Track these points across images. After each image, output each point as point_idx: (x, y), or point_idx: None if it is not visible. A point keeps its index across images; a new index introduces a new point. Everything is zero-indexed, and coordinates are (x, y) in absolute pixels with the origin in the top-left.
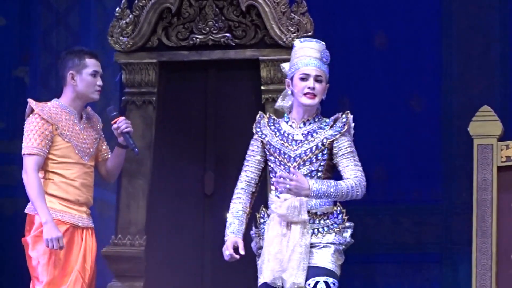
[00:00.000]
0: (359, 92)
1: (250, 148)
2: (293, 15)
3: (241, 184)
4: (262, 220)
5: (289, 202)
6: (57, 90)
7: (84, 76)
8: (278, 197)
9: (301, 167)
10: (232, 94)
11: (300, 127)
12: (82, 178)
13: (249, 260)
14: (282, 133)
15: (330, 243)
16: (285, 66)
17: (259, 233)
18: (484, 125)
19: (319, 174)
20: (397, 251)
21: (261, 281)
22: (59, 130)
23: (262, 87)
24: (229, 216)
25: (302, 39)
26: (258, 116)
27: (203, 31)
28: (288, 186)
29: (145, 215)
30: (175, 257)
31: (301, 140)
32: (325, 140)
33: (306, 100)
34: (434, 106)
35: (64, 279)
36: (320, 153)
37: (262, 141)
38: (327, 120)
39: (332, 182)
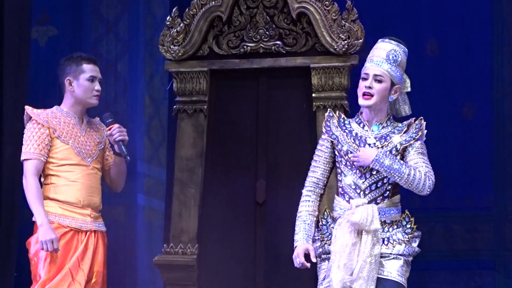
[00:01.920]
0: (412, 100)
1: (319, 147)
2: (344, 22)
3: (308, 186)
4: (324, 222)
5: (362, 209)
6: (106, 98)
7: (81, 82)
8: (348, 202)
9: (373, 172)
10: (283, 102)
11: (372, 130)
12: (85, 179)
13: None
14: (354, 134)
15: (400, 255)
16: None
17: (323, 237)
18: None
19: (390, 181)
20: (449, 258)
21: (324, 286)
22: (56, 133)
23: (313, 95)
24: (298, 220)
25: (383, 39)
26: (327, 114)
27: (254, 39)
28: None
29: (197, 223)
30: (227, 265)
31: (374, 144)
32: (399, 146)
33: (361, 101)
34: (487, 113)
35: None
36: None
37: (332, 141)
38: (400, 125)
39: (401, 161)
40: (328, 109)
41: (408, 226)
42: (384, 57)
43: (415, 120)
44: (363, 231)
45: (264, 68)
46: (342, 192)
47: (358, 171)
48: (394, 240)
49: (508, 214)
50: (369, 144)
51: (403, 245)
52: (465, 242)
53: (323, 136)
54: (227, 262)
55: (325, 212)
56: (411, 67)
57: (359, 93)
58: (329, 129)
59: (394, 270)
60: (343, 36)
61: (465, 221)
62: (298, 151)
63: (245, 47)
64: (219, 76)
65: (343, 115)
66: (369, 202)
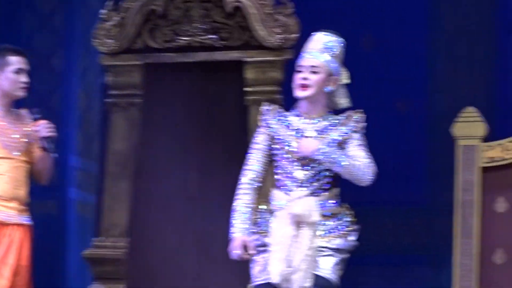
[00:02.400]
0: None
1: (256, 140)
2: (278, 16)
3: (245, 179)
4: (260, 215)
5: (302, 201)
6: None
7: (8, 74)
8: (287, 194)
9: (313, 165)
10: (217, 96)
11: (312, 123)
12: (11, 172)
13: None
14: (293, 127)
15: (336, 250)
16: None
17: (259, 229)
18: (468, 126)
19: (329, 173)
20: (379, 252)
21: (261, 278)
22: None
23: (247, 89)
24: (234, 212)
25: (316, 32)
26: (264, 107)
27: (189, 33)
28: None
29: (128, 217)
30: (158, 259)
31: (313, 136)
32: (338, 138)
33: (298, 93)
34: (420, 108)
35: None
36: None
37: (270, 134)
38: (339, 117)
39: (342, 151)
40: (265, 103)
41: (347, 219)
42: (320, 48)
43: (354, 113)
44: (303, 224)
45: (198, 62)
46: (280, 185)
47: (297, 163)
48: (332, 233)
49: (439, 209)
50: (307, 137)
51: (342, 239)
52: (396, 237)
53: (260, 129)
54: (157, 256)
55: (262, 205)
56: (346, 61)
57: (295, 85)
58: (267, 122)
59: (328, 267)
60: (277, 31)
61: (396, 216)
62: (231, 145)
63: (179, 41)
64: (153, 70)
65: (280, 108)
66: (309, 195)
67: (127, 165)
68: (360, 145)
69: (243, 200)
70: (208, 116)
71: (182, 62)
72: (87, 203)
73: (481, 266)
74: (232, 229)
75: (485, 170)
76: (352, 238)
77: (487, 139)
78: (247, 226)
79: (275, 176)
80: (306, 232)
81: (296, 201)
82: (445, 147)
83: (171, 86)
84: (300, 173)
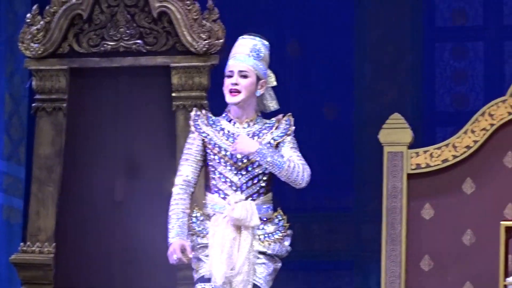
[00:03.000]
0: None
1: (188, 146)
2: (205, 22)
3: (179, 185)
4: (195, 220)
5: (241, 205)
6: None
7: None
8: (224, 199)
9: (249, 169)
10: (144, 101)
11: (244, 127)
12: None
13: (162, 264)
14: (226, 132)
15: (271, 257)
16: None
17: (195, 231)
18: (394, 132)
19: (265, 177)
20: (308, 258)
21: (200, 274)
22: None
23: (173, 94)
24: (170, 218)
25: (242, 36)
26: (194, 113)
27: (115, 38)
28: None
29: (54, 222)
30: (85, 264)
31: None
32: (272, 141)
33: (229, 98)
34: (347, 114)
35: None
36: None
37: (203, 140)
38: (269, 121)
39: (280, 153)
40: (194, 108)
41: (281, 224)
42: (247, 52)
43: (283, 116)
44: (242, 227)
45: (124, 67)
46: (216, 190)
47: (233, 168)
48: (269, 238)
49: (366, 215)
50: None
51: (277, 244)
52: (324, 243)
53: (192, 135)
54: (84, 261)
55: (195, 210)
56: (272, 67)
57: (226, 91)
58: (199, 127)
59: (261, 276)
60: (203, 36)
61: (324, 222)
62: (157, 150)
63: (105, 45)
64: (79, 75)
65: (210, 114)
66: (246, 199)
67: (53, 170)
68: (293, 147)
69: (178, 206)
70: (135, 121)
71: (108, 67)
72: (14, 208)
73: (408, 273)
74: (169, 234)
75: (412, 176)
76: (287, 243)
77: (413, 146)
78: (184, 230)
79: (211, 182)
80: (245, 235)
81: (235, 205)
82: (373, 153)
83: (98, 91)
84: (236, 178)
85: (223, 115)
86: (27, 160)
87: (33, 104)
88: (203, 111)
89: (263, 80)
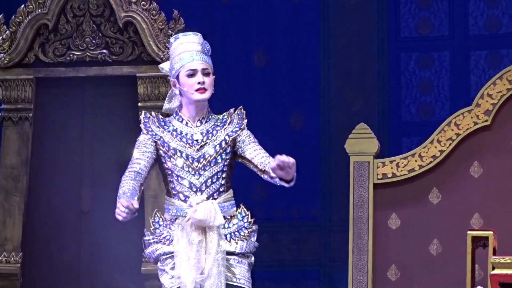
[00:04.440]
0: None
1: (140, 144)
2: (170, 32)
3: (128, 173)
4: (157, 225)
5: (203, 206)
6: None
7: None
8: (184, 201)
9: (206, 168)
10: (110, 110)
11: (197, 126)
12: None
13: (129, 273)
14: (178, 133)
15: (242, 254)
16: (164, 66)
17: (159, 238)
18: (361, 142)
19: (224, 175)
20: (275, 268)
21: (174, 286)
22: None
23: (139, 104)
24: (120, 191)
25: (178, 35)
26: (142, 115)
27: (80, 48)
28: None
29: (21, 232)
30: (52, 274)
31: (201, 140)
32: (227, 138)
33: (198, 96)
34: (314, 124)
35: None
36: (224, 152)
37: (155, 141)
38: (221, 117)
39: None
40: (143, 111)
41: (246, 220)
42: (200, 49)
43: (235, 110)
44: (207, 228)
45: (90, 76)
46: (175, 193)
47: (190, 169)
48: (235, 236)
49: (333, 225)
50: (197, 141)
51: (245, 241)
52: (291, 252)
53: (143, 136)
54: (51, 271)
55: (156, 215)
56: (239, 77)
57: (191, 90)
58: (150, 129)
59: (242, 277)
60: (169, 46)
61: (291, 231)
62: (123, 159)
63: (71, 55)
64: (45, 84)
65: (160, 115)
66: (207, 199)
67: (19, 180)
68: (254, 142)
69: (128, 183)
70: (101, 131)
71: (74, 76)
72: None
73: (375, 282)
74: (118, 200)
75: (378, 186)
76: (253, 239)
77: (379, 155)
78: (133, 194)
79: (169, 185)
80: (211, 236)
81: (197, 206)
82: (340, 163)
83: (64, 101)
84: (194, 178)
85: (174, 115)
86: None
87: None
88: (153, 113)
89: (214, 77)
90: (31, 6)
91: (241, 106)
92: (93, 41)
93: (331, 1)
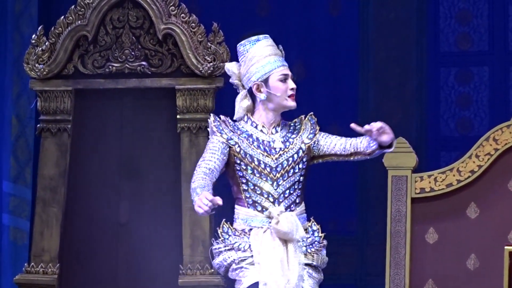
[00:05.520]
0: None
1: (212, 145)
2: (209, 44)
3: (201, 169)
4: (227, 236)
5: (285, 217)
6: None
7: None
8: (261, 212)
9: (285, 178)
10: (148, 122)
11: (272, 133)
12: None
13: (166, 285)
14: (255, 139)
15: (315, 268)
16: (232, 67)
17: (232, 246)
18: (399, 156)
19: (300, 185)
20: None
21: (249, 282)
22: None
23: (178, 116)
24: (194, 185)
25: (253, 38)
26: (212, 118)
27: (119, 59)
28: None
29: (58, 243)
30: (89, 285)
31: (280, 148)
32: (303, 146)
33: (291, 103)
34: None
35: None
36: (301, 162)
37: (229, 146)
38: (292, 124)
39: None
40: (211, 114)
41: (316, 234)
42: (281, 54)
43: (305, 117)
44: (287, 241)
45: (129, 88)
46: (250, 202)
47: (269, 178)
48: (310, 249)
49: (370, 238)
50: (274, 149)
51: (318, 255)
52: (328, 266)
53: (217, 138)
54: (88, 283)
55: (224, 226)
56: None
57: (284, 95)
58: (224, 132)
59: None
60: (208, 58)
61: (328, 245)
62: (162, 172)
63: (110, 67)
64: (84, 96)
65: (229, 119)
66: (285, 210)
67: (57, 191)
68: (328, 136)
69: (202, 179)
70: (140, 143)
71: (113, 88)
72: (20, 229)
73: None
74: (195, 195)
75: (416, 200)
76: (324, 253)
77: (417, 170)
78: (208, 190)
79: (243, 194)
80: (293, 249)
81: (279, 217)
82: (377, 177)
83: (102, 112)
84: (272, 188)
85: (244, 120)
86: (33, 181)
87: (38, 125)
88: (222, 117)
89: None
90: (70, 17)
91: (312, 112)
92: (132, 53)
93: (370, 14)
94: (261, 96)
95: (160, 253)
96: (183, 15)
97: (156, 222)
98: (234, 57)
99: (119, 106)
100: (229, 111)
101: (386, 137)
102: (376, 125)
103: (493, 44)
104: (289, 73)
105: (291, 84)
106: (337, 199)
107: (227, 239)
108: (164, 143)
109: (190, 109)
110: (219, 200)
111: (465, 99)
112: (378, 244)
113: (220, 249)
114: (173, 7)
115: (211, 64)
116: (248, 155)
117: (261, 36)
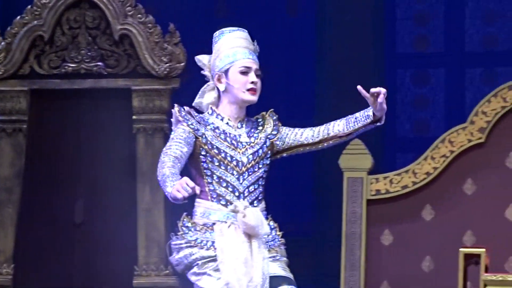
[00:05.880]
0: None
1: (178, 134)
2: (166, 45)
3: (169, 157)
4: (187, 230)
5: (252, 212)
6: None
7: None
8: (226, 206)
9: (250, 173)
10: (104, 123)
11: (238, 127)
12: None
13: (122, 285)
14: (221, 131)
15: (281, 257)
16: (203, 58)
17: (194, 243)
18: (355, 158)
19: (263, 182)
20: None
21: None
22: None
23: (134, 117)
24: (163, 175)
25: (225, 29)
26: (177, 108)
27: (76, 60)
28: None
29: (13, 243)
30: (44, 285)
31: (246, 142)
32: (267, 142)
33: (249, 97)
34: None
35: None
36: (265, 157)
37: (196, 136)
38: (254, 120)
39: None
40: (176, 105)
41: (274, 232)
42: (253, 49)
43: (267, 114)
44: (251, 236)
45: (85, 89)
46: (214, 196)
47: (235, 171)
48: (272, 246)
49: (327, 240)
50: (241, 143)
51: (281, 249)
52: None
53: (183, 128)
54: (44, 283)
55: (185, 219)
56: None
57: (242, 88)
58: (190, 123)
59: (281, 268)
60: (165, 59)
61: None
62: (117, 173)
63: (66, 67)
64: (40, 96)
65: (194, 110)
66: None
67: (13, 191)
68: (293, 128)
69: (170, 169)
70: (96, 143)
71: (69, 88)
72: None
73: None
74: (168, 183)
75: (371, 202)
76: (284, 249)
77: (373, 171)
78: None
79: (207, 187)
80: (257, 244)
81: (246, 211)
82: (333, 179)
83: (58, 113)
84: (238, 182)
85: (209, 112)
86: None
87: None
88: (186, 108)
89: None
90: (27, 17)
91: (272, 109)
92: (89, 53)
93: (327, 16)
94: (220, 87)
95: (115, 254)
96: (139, 15)
97: (111, 222)
98: (191, 58)
99: (75, 107)
100: None
101: (380, 107)
102: (383, 90)
103: (449, 45)
104: (253, 66)
105: (251, 77)
106: (293, 201)
107: (187, 233)
108: (120, 143)
109: (146, 110)
110: (197, 189)
111: (421, 100)
112: (334, 245)
113: (181, 245)
114: (129, 7)
115: (167, 65)
116: (215, 146)
117: (234, 28)
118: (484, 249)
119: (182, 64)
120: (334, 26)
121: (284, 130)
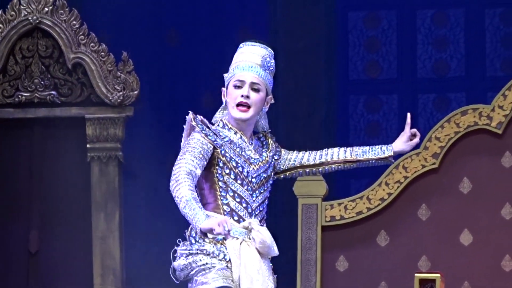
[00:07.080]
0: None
1: (195, 144)
2: (119, 73)
3: (185, 175)
4: (194, 241)
5: (265, 230)
6: None
7: None
8: (238, 222)
9: (261, 191)
10: (58, 152)
11: (250, 144)
12: None
13: None
14: (237, 145)
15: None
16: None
17: (206, 252)
18: (309, 184)
19: (267, 202)
20: None
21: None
22: None
23: (88, 145)
24: (186, 203)
25: (247, 42)
26: (192, 115)
27: (29, 89)
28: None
29: None
30: None
31: (258, 160)
32: (273, 162)
33: (236, 113)
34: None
35: None
36: (270, 178)
37: (214, 147)
38: (259, 138)
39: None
40: (190, 111)
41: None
42: (259, 62)
43: (268, 134)
44: (264, 255)
45: (38, 118)
46: (228, 210)
47: (249, 187)
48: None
49: (281, 267)
50: (254, 159)
51: (273, 276)
52: None
53: (196, 137)
54: None
55: (192, 230)
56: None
57: (232, 103)
58: (207, 132)
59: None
60: (118, 88)
61: None
62: (71, 201)
63: (20, 96)
64: None
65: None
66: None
67: None
68: (294, 151)
69: (190, 192)
70: (50, 172)
71: (22, 117)
72: None
73: None
74: (196, 218)
75: (326, 229)
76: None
77: (328, 198)
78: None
79: (219, 200)
80: (267, 264)
81: (261, 229)
82: (287, 205)
83: (12, 142)
84: (251, 199)
85: (220, 125)
86: None
87: None
88: (199, 116)
89: (270, 96)
90: None
91: (270, 130)
92: (42, 82)
93: (278, 44)
94: (224, 102)
95: (71, 283)
96: (92, 44)
97: (66, 251)
98: (144, 86)
99: (28, 136)
100: (140, 140)
101: (409, 148)
102: (418, 136)
103: (401, 71)
104: (248, 80)
105: (243, 91)
106: None
107: (194, 244)
108: (74, 172)
109: (100, 138)
110: (229, 234)
111: (374, 126)
112: (289, 272)
113: (191, 251)
114: (82, 36)
115: (121, 93)
116: (233, 159)
117: (256, 43)
118: (439, 274)
119: (136, 92)
120: (286, 54)
121: (283, 151)
